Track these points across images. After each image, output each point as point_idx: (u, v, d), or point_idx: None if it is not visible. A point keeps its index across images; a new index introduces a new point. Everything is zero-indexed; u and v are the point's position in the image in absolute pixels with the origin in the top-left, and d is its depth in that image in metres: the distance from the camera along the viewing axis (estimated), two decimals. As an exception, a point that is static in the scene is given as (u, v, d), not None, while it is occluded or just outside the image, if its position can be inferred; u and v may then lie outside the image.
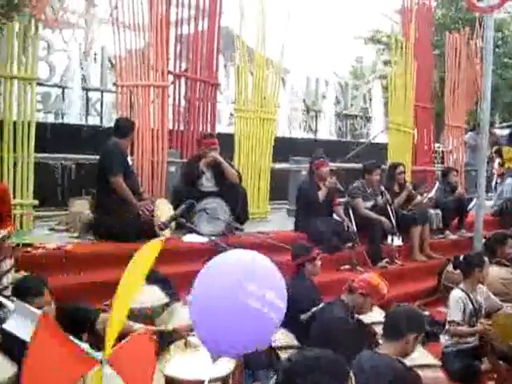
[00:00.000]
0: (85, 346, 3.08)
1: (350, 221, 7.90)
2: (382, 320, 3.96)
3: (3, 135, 6.75)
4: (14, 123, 6.81)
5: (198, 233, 5.91)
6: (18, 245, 5.69)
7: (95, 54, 10.64)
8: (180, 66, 8.60)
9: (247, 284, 2.61)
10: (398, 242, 8.09)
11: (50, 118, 10.55)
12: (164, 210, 6.59)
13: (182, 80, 8.55)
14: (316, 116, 17.20)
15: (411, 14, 11.11)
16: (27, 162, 6.92)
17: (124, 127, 6.95)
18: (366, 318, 5.01)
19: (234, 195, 7.37)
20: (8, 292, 4.93)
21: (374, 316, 5.13)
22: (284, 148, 9.91)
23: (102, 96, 10.44)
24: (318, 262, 5.60)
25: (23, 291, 3.91)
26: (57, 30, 9.16)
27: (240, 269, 2.73)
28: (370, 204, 8.23)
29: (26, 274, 5.04)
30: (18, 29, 6.67)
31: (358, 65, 34.96)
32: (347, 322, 4.61)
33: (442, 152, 13.76)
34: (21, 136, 6.85)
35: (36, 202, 7.05)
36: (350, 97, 18.74)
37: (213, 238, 5.70)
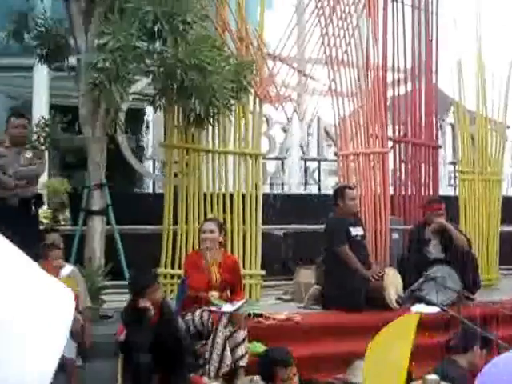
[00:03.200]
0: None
1: None
2: None
3: (233, 208, 7.06)
4: (243, 196, 7.12)
5: (429, 303, 5.59)
6: (249, 315, 5.80)
7: (311, 124, 10.92)
8: (398, 131, 8.48)
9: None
10: None
11: (272, 189, 10.97)
12: (393, 279, 6.37)
13: (402, 145, 8.41)
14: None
15: None
16: (255, 234, 7.15)
17: (341, 192, 6.94)
18: None
19: (463, 262, 6.95)
20: (243, 362, 5.04)
21: None
22: (510, 208, 9.22)
23: (319, 165, 10.65)
24: None
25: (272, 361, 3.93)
26: (274, 104, 9.54)
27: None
28: None
29: (258, 343, 5.13)
30: (244, 107, 7.08)
31: None
32: None
33: None
34: (249, 208, 7.13)
35: (263, 272, 7.22)
36: None
37: (443, 308, 5.36)
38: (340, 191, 6.89)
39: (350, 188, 6.94)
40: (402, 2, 8.66)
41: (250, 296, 7.05)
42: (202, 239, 5.64)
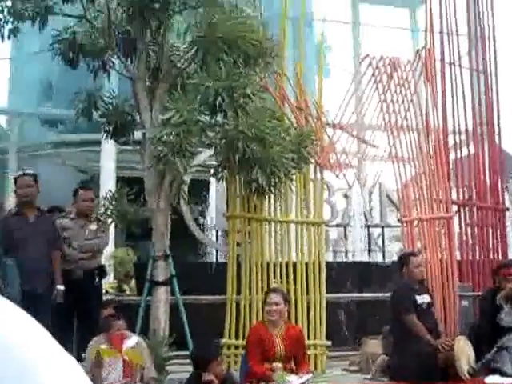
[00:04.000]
0: None
1: None
2: None
3: (296, 278, 7.01)
4: (306, 265, 7.07)
5: (503, 374, 5.35)
6: (315, 388, 5.66)
7: (372, 191, 10.85)
8: (463, 194, 8.34)
9: None
10: None
11: (335, 257, 10.88)
12: (464, 349, 6.11)
13: (467, 208, 8.25)
14: None
15: None
16: (319, 303, 7.05)
17: (405, 259, 6.80)
18: None
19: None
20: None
21: None
22: None
23: (382, 231, 10.52)
24: None
25: None
26: (335, 171, 9.60)
27: None
28: None
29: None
30: (304, 176, 7.13)
31: None
32: None
33: None
34: (312, 277, 7.06)
35: (329, 343, 7.08)
36: None
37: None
38: (405, 258, 6.76)
39: (414, 255, 6.80)
40: (460, 66, 8.67)
41: (315, 367, 6.90)
42: (266, 311, 5.59)
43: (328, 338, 7.11)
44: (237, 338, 6.70)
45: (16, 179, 6.32)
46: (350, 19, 22.18)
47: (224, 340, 6.68)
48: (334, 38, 20.09)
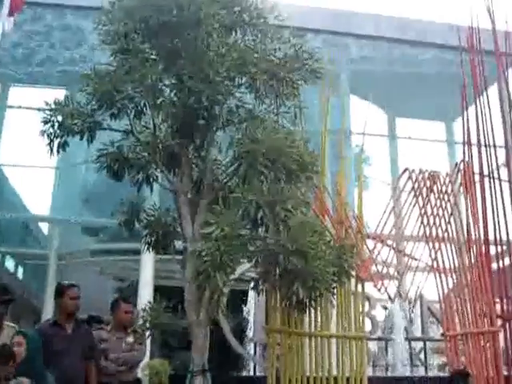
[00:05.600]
0: None
1: None
2: None
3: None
4: (347, 379, 6.84)
5: None
6: None
7: (413, 303, 10.66)
8: (508, 307, 8.10)
9: None
10: None
11: (375, 371, 10.52)
12: None
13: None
14: None
15: None
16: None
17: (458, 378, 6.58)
18: None
19: None
20: None
21: None
22: None
23: (424, 345, 10.22)
24: None
25: None
26: (376, 284, 9.51)
27: None
28: None
29: None
30: (345, 289, 7.04)
31: None
32: None
33: None
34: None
35: None
36: None
37: None
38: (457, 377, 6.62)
39: (467, 374, 6.64)
40: (499, 178, 8.68)
41: None
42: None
43: None
44: None
45: (65, 289, 6.32)
46: (387, 132, 22.65)
47: None
48: (372, 152, 20.49)
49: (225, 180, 6.37)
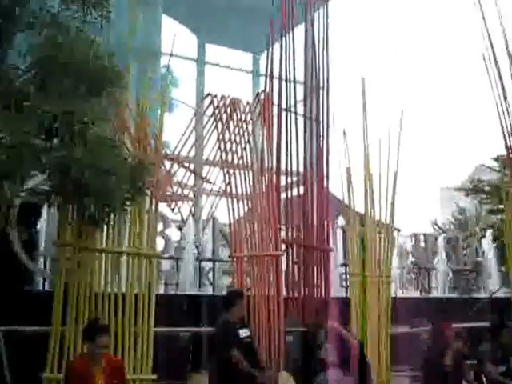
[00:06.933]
0: None
1: (484, 389, 7.30)
2: None
3: (125, 309, 6.89)
4: (136, 296, 6.97)
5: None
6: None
7: (205, 225, 11.04)
8: (292, 234, 8.71)
9: None
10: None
11: (166, 289, 10.80)
12: (287, 383, 6.37)
13: (295, 247, 8.62)
14: (428, 273, 16.65)
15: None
16: (147, 335, 6.97)
17: (233, 297, 7.03)
18: None
19: (356, 365, 7.04)
20: None
21: None
22: (398, 309, 9.52)
23: (213, 266, 10.66)
24: None
25: None
26: (170, 205, 9.64)
27: None
28: (502, 369, 7.59)
29: None
30: (139, 207, 7.09)
31: (460, 216, 34.34)
32: None
33: None
34: (141, 309, 6.98)
35: (154, 377, 7.00)
36: (461, 251, 18.12)
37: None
38: (233, 296, 7.04)
39: (242, 293, 7.11)
40: (295, 112, 9.14)
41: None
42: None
43: (156, 371, 7.01)
44: (59, 371, 6.40)
45: None
46: (196, 57, 22.65)
47: (46, 374, 6.39)
48: (180, 74, 20.40)
49: (21, 86, 5.98)
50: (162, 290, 10.44)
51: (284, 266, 8.52)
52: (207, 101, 8.69)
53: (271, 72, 9.11)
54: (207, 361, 7.14)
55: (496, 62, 10.59)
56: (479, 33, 10.52)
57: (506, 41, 10.70)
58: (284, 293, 8.29)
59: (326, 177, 9.27)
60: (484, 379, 7.47)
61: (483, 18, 10.38)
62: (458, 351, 7.33)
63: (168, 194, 7.99)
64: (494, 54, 10.64)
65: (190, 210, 10.80)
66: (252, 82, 23.21)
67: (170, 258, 10.46)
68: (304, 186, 9.04)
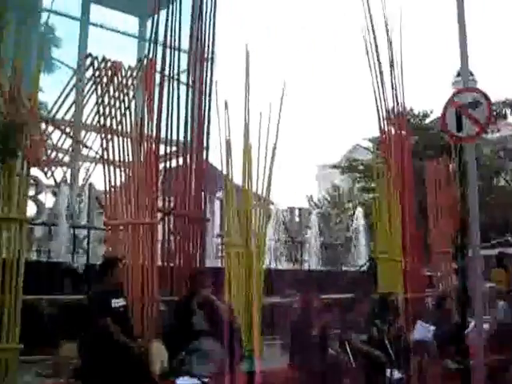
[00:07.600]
0: None
1: (348, 355, 7.68)
2: None
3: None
4: (4, 263, 6.66)
5: (192, 375, 5.71)
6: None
7: (82, 192, 10.76)
8: (169, 203, 8.67)
9: None
10: (397, 375, 7.82)
11: (37, 256, 10.45)
12: (158, 352, 6.37)
13: (171, 217, 8.59)
14: (301, 247, 17.25)
15: (390, 142, 11.40)
16: (14, 304, 6.69)
17: (107, 266, 6.94)
18: None
19: (227, 333, 7.18)
20: None
21: None
22: (271, 280, 9.78)
23: (88, 233, 10.42)
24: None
25: None
26: (44, 168, 9.27)
27: None
28: (364, 337, 8.04)
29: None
30: (10, 169, 6.74)
31: (334, 193, 35.76)
32: None
33: (430, 277, 13.66)
34: (9, 276, 6.68)
35: (21, 347, 6.75)
36: (333, 226, 18.95)
37: (205, 379, 5.51)
38: (108, 264, 6.94)
39: (117, 262, 7.00)
40: (179, 81, 9.04)
41: (6, 372, 6.51)
42: None
43: (24, 341, 6.75)
44: None
45: None
46: (80, 16, 21.77)
47: None
48: (62, 34, 19.52)
49: None
50: (34, 257, 10.11)
51: (160, 236, 8.48)
52: (88, 62, 8.36)
53: (156, 38, 8.94)
54: (79, 329, 6.97)
55: (376, 47, 11.04)
56: (362, 16, 10.92)
57: (387, 27, 11.17)
58: (159, 262, 8.26)
59: (205, 148, 9.28)
60: (348, 347, 7.86)
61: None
62: (325, 320, 7.68)
63: (42, 157, 7.64)
64: (375, 39, 11.07)
65: (65, 175, 10.45)
66: (137, 47, 22.68)
67: (43, 224, 10.10)
68: (183, 156, 8.99)
